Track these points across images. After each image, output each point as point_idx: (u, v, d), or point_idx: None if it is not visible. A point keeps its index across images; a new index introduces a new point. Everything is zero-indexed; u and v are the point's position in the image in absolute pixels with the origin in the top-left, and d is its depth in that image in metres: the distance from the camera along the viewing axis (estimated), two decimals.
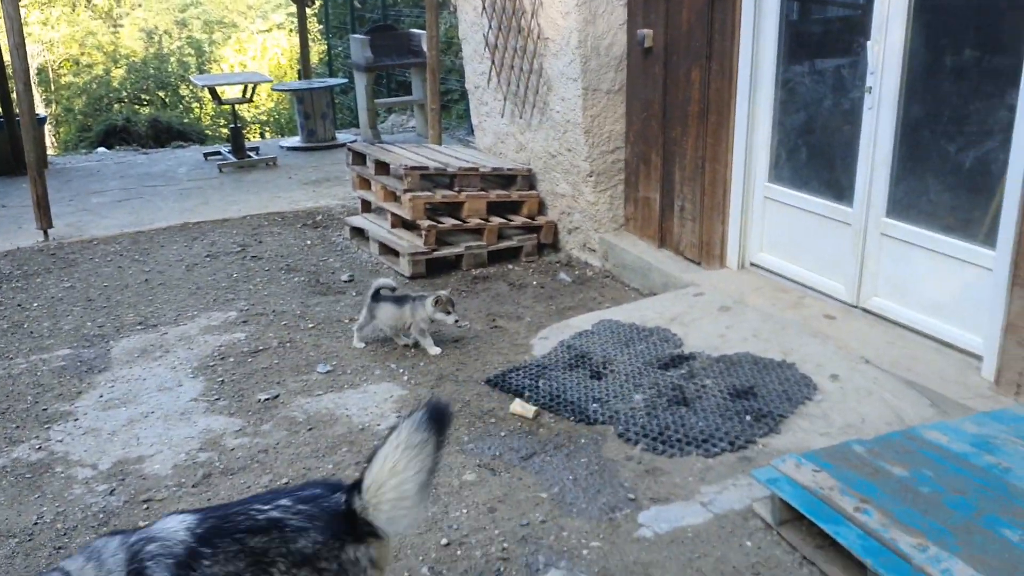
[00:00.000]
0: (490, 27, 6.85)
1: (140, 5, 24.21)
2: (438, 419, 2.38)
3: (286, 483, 3.67)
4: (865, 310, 4.67)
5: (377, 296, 4.96)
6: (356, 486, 2.40)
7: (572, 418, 4.08)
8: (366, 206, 7.25)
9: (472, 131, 8.04)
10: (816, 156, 4.99)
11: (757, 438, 3.78)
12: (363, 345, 5.01)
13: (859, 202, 4.61)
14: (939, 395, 3.87)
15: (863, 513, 2.88)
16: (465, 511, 3.42)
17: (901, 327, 4.45)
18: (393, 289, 5.09)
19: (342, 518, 2.37)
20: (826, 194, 4.88)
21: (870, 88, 4.45)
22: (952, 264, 4.18)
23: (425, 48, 8.95)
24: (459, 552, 3.18)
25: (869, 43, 4.41)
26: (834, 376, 4.11)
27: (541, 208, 6.76)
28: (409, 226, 6.50)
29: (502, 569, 3.07)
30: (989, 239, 3.97)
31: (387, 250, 6.50)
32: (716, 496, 3.42)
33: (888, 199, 4.48)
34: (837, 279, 4.83)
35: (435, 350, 4.88)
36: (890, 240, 4.49)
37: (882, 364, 4.14)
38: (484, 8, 6.87)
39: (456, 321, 4.88)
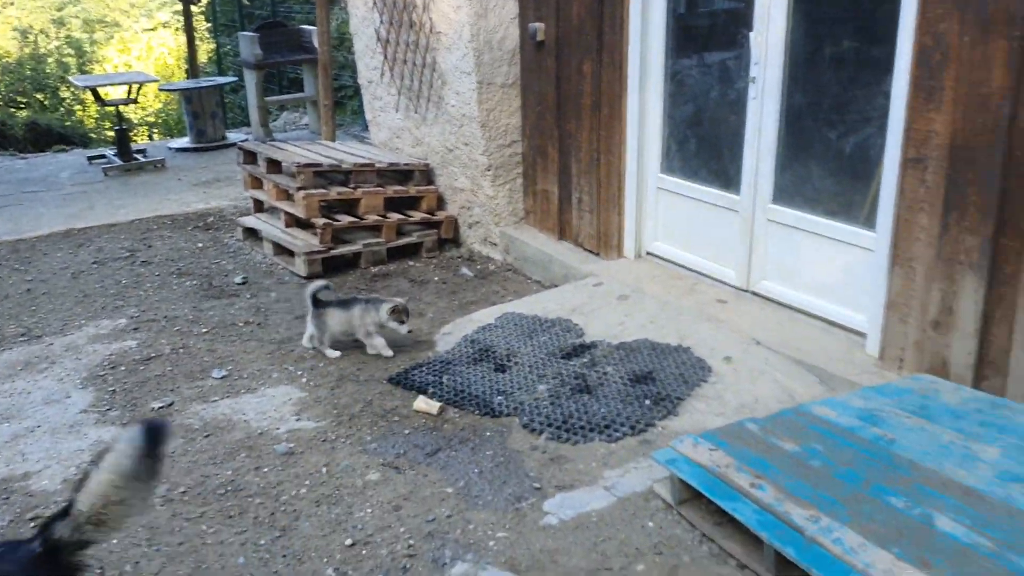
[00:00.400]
0: (381, 21, 6.78)
1: (12, 3, 23.06)
2: (154, 437, 2.30)
3: (183, 492, 3.57)
4: (755, 294, 4.81)
5: (318, 303, 4.78)
6: (57, 518, 2.28)
7: (477, 412, 4.08)
8: (259, 206, 7.09)
9: (367, 127, 7.95)
10: (705, 146, 5.11)
11: (657, 421, 3.85)
12: (338, 354, 4.78)
13: (746, 190, 4.74)
14: (827, 372, 4.02)
15: (758, 489, 2.97)
16: (370, 510, 3.38)
17: (790, 309, 4.60)
18: (328, 288, 4.94)
19: (42, 560, 2.22)
20: (715, 183, 5.00)
21: (754, 79, 4.58)
22: (836, 246, 4.34)
23: (316, 44, 8.80)
24: (364, 552, 3.14)
25: (752, 35, 4.54)
26: (728, 358, 4.22)
27: (440, 203, 6.73)
28: (304, 225, 6.39)
29: (408, 566, 3.05)
30: (869, 221, 4.14)
31: (282, 250, 6.37)
32: (619, 480, 3.47)
33: (774, 186, 4.63)
34: (728, 265, 4.96)
35: (388, 352, 4.74)
36: (776, 225, 4.63)
37: (773, 345, 4.28)
38: (375, 3, 6.80)
39: (410, 331, 4.75)
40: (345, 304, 4.80)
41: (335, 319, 4.76)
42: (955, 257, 3.67)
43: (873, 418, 3.39)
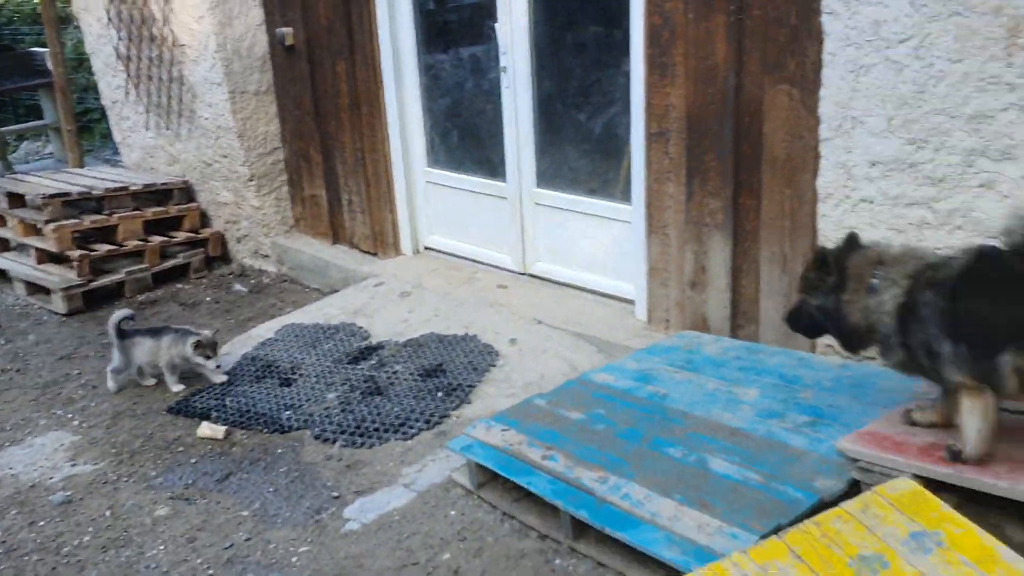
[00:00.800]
0: (120, 38, 6.41)
1: None
2: None
3: None
4: (533, 276, 4.97)
5: (123, 333, 4.38)
6: None
7: (265, 430, 3.97)
8: (4, 245, 6.51)
9: (118, 150, 7.49)
10: (467, 137, 5.22)
11: (451, 412, 3.90)
12: (118, 389, 4.47)
13: (511, 176, 4.89)
14: (604, 341, 4.22)
15: (550, 460, 3.08)
16: (162, 547, 3.22)
17: (565, 286, 4.79)
18: (132, 318, 4.54)
19: None
20: (481, 172, 5.12)
21: (505, 68, 4.71)
22: (599, 222, 4.56)
23: (51, 67, 8.19)
24: None
25: (498, 26, 4.68)
26: (512, 340, 4.34)
27: (205, 220, 6.47)
28: (59, 259, 5.94)
29: None
30: (625, 195, 4.37)
31: (37, 289, 5.90)
32: (417, 475, 3.49)
33: (536, 170, 4.80)
34: (504, 251, 5.09)
35: (178, 387, 4.42)
36: (543, 208, 4.81)
37: (553, 322, 4.44)
38: (110, 19, 6.42)
39: (218, 367, 4.40)
40: (155, 333, 4.46)
41: (143, 349, 4.42)
42: (702, 220, 3.95)
43: (647, 377, 3.60)
